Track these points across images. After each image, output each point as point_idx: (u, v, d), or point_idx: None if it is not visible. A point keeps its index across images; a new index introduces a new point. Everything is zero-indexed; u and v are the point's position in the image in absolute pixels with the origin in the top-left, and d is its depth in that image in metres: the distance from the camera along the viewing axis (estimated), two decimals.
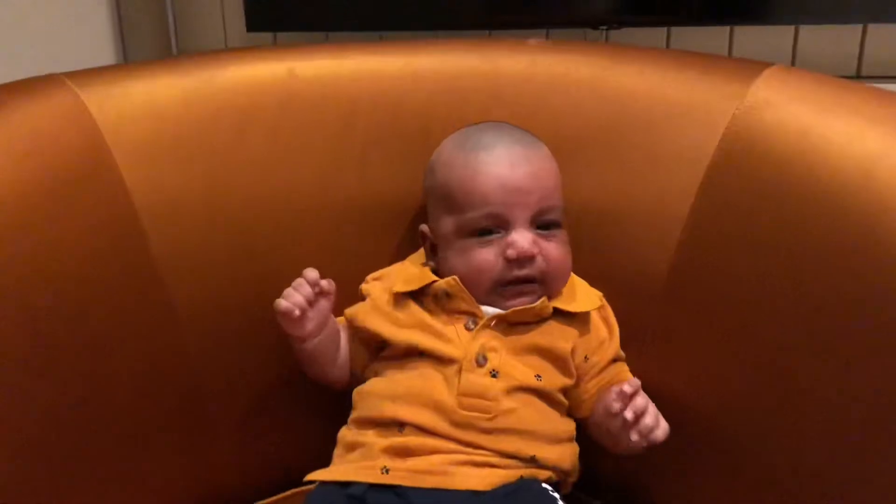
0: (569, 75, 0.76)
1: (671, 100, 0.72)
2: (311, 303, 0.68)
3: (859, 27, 1.08)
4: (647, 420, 0.62)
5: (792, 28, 1.10)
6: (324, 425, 0.70)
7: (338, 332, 0.72)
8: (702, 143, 0.70)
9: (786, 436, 0.62)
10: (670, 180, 0.71)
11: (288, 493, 0.77)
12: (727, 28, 1.11)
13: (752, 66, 0.71)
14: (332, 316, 0.71)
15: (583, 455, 0.69)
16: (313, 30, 1.19)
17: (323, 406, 0.73)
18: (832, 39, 1.09)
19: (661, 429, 0.63)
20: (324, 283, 0.68)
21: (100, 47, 1.22)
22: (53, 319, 0.64)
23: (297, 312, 0.66)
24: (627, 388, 0.62)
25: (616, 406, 0.62)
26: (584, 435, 0.70)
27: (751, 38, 1.11)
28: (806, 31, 1.09)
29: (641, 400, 0.63)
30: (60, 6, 1.16)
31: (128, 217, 0.70)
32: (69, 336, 0.65)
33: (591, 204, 0.73)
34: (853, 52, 1.09)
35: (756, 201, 0.67)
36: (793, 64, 1.11)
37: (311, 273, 0.68)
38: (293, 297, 0.67)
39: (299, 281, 0.69)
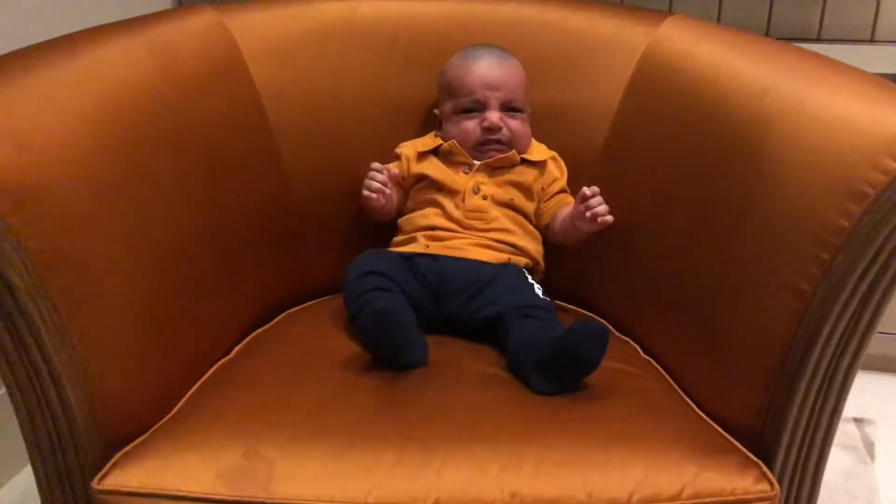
0: (537, 17, 1.15)
1: (603, 34, 1.12)
2: (384, 186, 1.04)
3: None
4: (601, 208, 0.98)
5: None
6: (377, 245, 1.07)
7: (396, 198, 1.08)
8: (624, 64, 1.09)
9: (669, 234, 0.99)
10: (602, 89, 1.10)
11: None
12: None
13: (662, 12, 1.11)
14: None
15: (546, 269, 1.09)
16: None
17: (377, 234, 1.11)
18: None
19: (610, 215, 0.98)
20: (392, 171, 1.05)
21: None
22: (199, 169, 0.97)
23: (382, 200, 1.04)
24: (588, 190, 0.99)
25: (586, 192, 0.97)
26: (549, 251, 1.09)
27: None
28: None
29: (595, 196, 0.99)
30: None
31: (253, 101, 1.07)
32: (210, 182, 0.98)
33: (548, 104, 1.12)
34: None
35: (664, 108, 1.02)
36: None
37: (375, 164, 1.06)
38: (372, 186, 1.04)
39: (371, 174, 1.05)
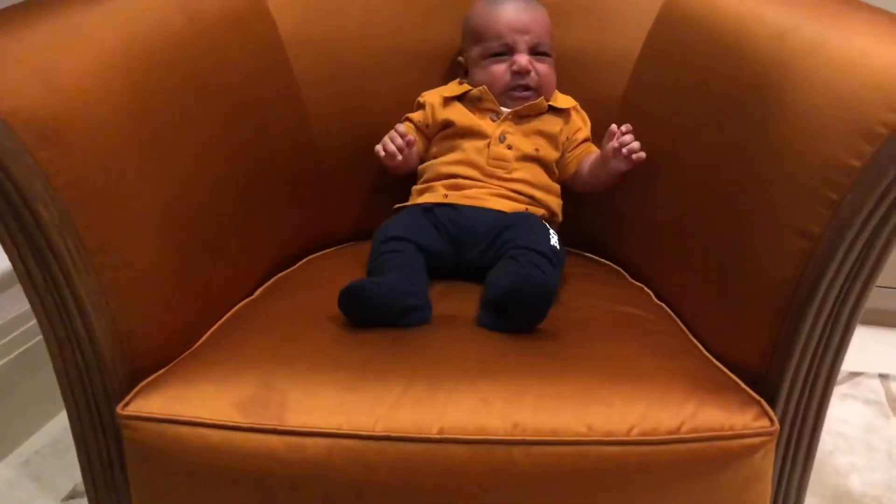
0: None
1: None
2: (402, 150, 1.04)
3: None
4: (635, 144, 0.99)
5: None
6: (398, 192, 1.10)
7: (414, 154, 1.08)
8: (647, 10, 1.08)
9: (684, 180, 0.98)
10: (624, 35, 1.10)
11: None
12: None
13: None
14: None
15: (564, 218, 1.09)
16: None
17: (398, 182, 1.12)
18: None
19: (643, 152, 0.98)
20: (410, 137, 1.05)
21: None
22: (224, 113, 0.98)
23: (399, 158, 1.04)
24: (623, 127, 0.99)
25: (618, 129, 0.98)
26: (569, 202, 1.09)
27: None
28: None
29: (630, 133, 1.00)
30: None
31: (277, 46, 1.09)
32: (235, 127, 1.00)
33: (569, 52, 1.12)
34: None
35: (685, 55, 1.02)
36: None
37: (401, 128, 1.06)
38: (388, 147, 1.05)
39: (392, 135, 1.05)
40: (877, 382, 1.44)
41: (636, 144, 0.99)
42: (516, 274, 0.90)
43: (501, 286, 0.86)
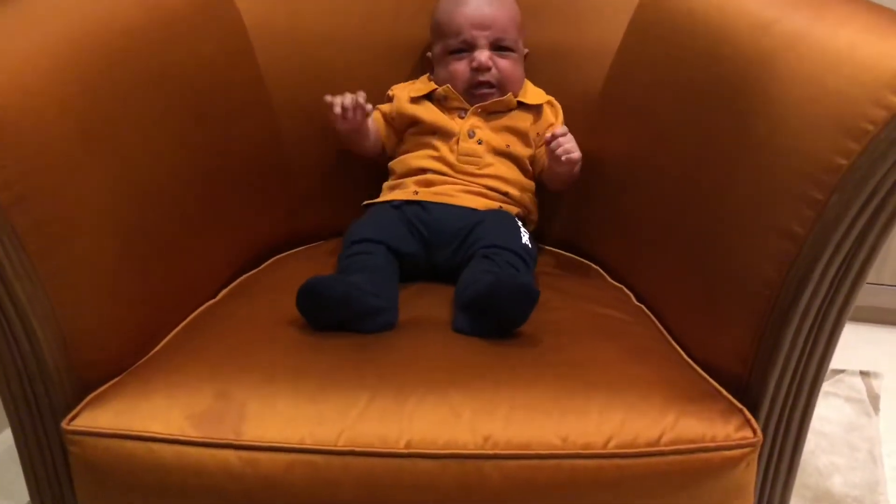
0: None
1: None
2: (347, 110, 0.98)
3: None
4: (568, 145, 0.96)
5: None
6: (368, 190, 1.06)
7: (368, 127, 1.03)
8: (626, 2, 1.04)
9: (665, 177, 0.95)
10: (603, 28, 1.06)
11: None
12: None
13: None
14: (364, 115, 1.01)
15: (541, 216, 1.06)
16: None
17: (368, 178, 1.08)
18: None
19: (577, 152, 0.96)
20: (363, 103, 0.99)
21: None
22: (184, 107, 0.94)
23: (337, 110, 0.98)
24: (558, 129, 0.97)
25: (556, 131, 0.96)
26: (546, 199, 1.06)
27: None
28: None
29: (565, 135, 0.96)
30: None
31: (242, 38, 1.04)
32: (195, 121, 0.95)
33: (547, 45, 1.08)
34: None
35: (666, 48, 0.99)
36: None
37: (349, 94, 1.00)
38: (337, 99, 0.99)
39: (346, 94, 1.00)
40: (858, 380, 1.42)
41: (570, 146, 0.96)
42: (494, 274, 0.85)
43: (480, 287, 0.81)
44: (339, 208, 1.10)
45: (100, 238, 0.77)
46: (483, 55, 1.02)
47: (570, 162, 0.97)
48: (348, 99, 0.99)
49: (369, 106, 1.01)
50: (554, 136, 0.97)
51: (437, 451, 0.66)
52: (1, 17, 0.76)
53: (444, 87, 1.03)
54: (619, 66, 1.05)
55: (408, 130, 1.06)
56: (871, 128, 0.66)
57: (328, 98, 1.00)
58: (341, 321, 0.81)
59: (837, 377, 1.42)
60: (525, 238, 0.95)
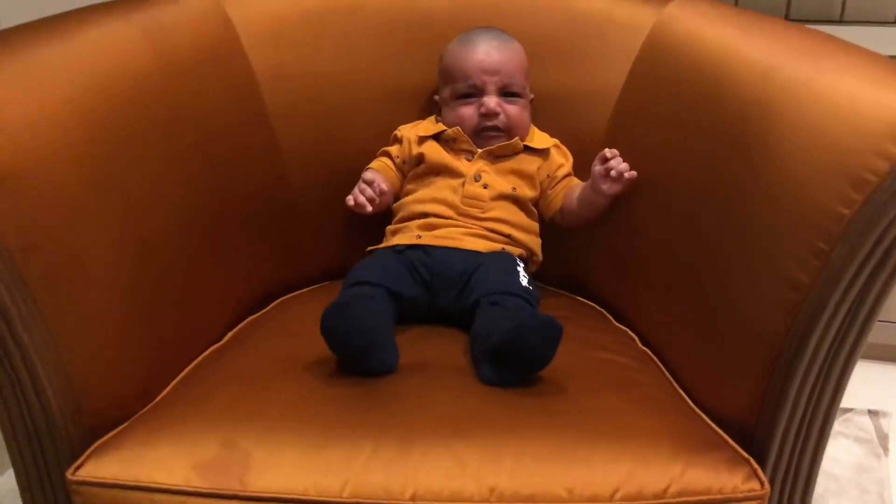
0: (537, 1, 1.12)
1: (608, 15, 1.08)
2: (372, 201, 1.00)
3: None
4: (623, 165, 0.97)
5: None
6: (373, 232, 1.06)
7: (389, 197, 1.04)
8: (629, 46, 1.06)
9: (669, 220, 0.95)
10: (606, 72, 1.07)
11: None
12: None
13: None
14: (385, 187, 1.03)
15: (546, 257, 1.06)
16: None
17: (373, 221, 1.08)
18: None
19: (633, 171, 0.97)
20: (380, 186, 1.01)
21: None
22: (191, 152, 0.95)
23: (369, 209, 1.00)
24: (608, 152, 0.98)
25: (606, 154, 0.97)
26: (551, 241, 1.06)
27: None
28: None
29: (615, 157, 0.98)
30: None
31: (250, 84, 1.05)
32: (202, 166, 0.96)
33: (551, 88, 1.09)
34: None
35: (668, 92, 0.99)
36: None
37: (367, 175, 1.03)
38: (359, 199, 1.00)
39: (362, 185, 1.02)
40: (866, 419, 1.41)
41: (624, 165, 0.97)
42: (513, 318, 0.85)
43: (504, 332, 0.80)
44: (345, 249, 1.11)
45: (107, 286, 0.78)
46: (492, 101, 1.03)
47: (630, 179, 0.97)
48: (365, 194, 1.01)
49: (383, 185, 1.02)
50: (605, 159, 0.98)
51: (443, 502, 0.66)
52: (13, 68, 0.77)
53: (454, 128, 1.04)
54: (623, 109, 1.06)
55: (412, 170, 1.07)
56: (872, 178, 0.67)
57: (351, 202, 1.01)
58: (356, 351, 0.81)
59: (845, 416, 1.41)
60: (524, 280, 0.95)
